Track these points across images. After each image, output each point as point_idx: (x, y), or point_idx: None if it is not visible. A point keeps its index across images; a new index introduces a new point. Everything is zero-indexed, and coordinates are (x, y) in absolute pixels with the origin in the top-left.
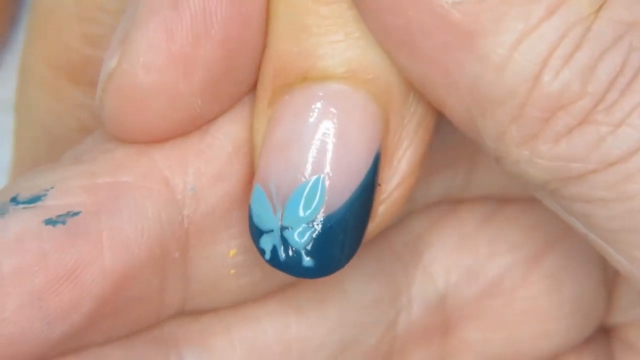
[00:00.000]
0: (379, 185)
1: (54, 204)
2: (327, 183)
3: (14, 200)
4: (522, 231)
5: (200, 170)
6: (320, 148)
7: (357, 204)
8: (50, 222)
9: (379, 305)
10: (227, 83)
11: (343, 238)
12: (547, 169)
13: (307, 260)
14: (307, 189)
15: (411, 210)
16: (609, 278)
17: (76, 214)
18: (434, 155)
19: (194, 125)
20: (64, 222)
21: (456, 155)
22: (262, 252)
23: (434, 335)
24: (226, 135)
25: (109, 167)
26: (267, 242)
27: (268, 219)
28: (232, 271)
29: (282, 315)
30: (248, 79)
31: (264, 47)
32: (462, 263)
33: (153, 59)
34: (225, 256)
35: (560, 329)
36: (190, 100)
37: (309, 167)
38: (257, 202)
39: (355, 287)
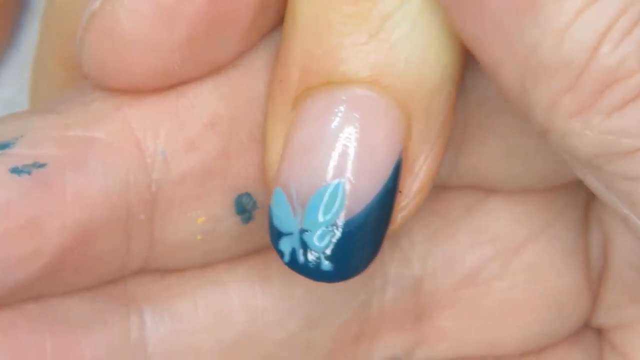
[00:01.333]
0: (400, 192)
1: (21, 153)
2: (348, 187)
3: None
4: (504, 223)
5: (172, 135)
6: (342, 152)
7: (377, 210)
8: (15, 170)
9: (351, 285)
10: (209, 46)
11: (362, 243)
12: (596, 143)
13: (326, 264)
14: (327, 193)
15: None
16: (594, 277)
17: (42, 165)
18: None
19: (170, 81)
20: (29, 172)
21: None
22: (281, 254)
23: (407, 320)
24: (204, 105)
25: (82, 121)
26: (286, 245)
27: (288, 221)
28: (199, 237)
29: (248, 283)
30: (232, 45)
31: (253, 14)
32: (441, 250)
33: (137, 5)
34: (193, 223)
35: (537, 323)
36: (169, 55)
37: (330, 171)
38: (278, 205)
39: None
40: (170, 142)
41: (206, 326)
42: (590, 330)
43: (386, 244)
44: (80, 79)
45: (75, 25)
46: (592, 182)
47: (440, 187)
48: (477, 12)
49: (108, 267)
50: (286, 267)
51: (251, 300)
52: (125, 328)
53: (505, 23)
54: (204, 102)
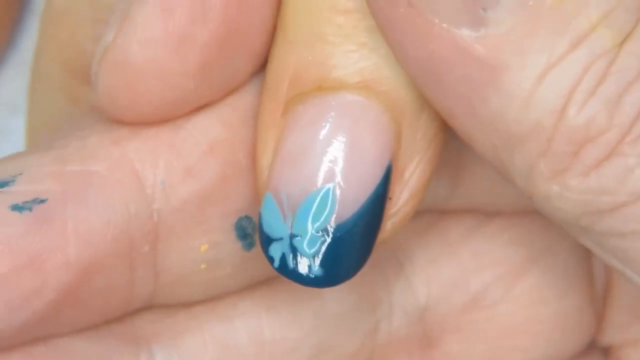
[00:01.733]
0: (390, 198)
1: (21, 190)
2: (338, 192)
3: None
4: (506, 245)
5: (171, 165)
6: (332, 158)
7: (367, 216)
8: (16, 207)
9: (357, 313)
10: (222, 68)
11: (352, 248)
12: (578, 204)
13: (316, 270)
14: (317, 198)
15: None
16: (598, 295)
17: (43, 201)
18: None
19: (185, 108)
20: (30, 209)
21: (442, 164)
22: (271, 260)
23: (414, 347)
24: (202, 132)
25: (80, 155)
26: (276, 250)
27: (278, 227)
28: (203, 266)
29: (255, 315)
30: (244, 68)
31: (264, 36)
32: (444, 275)
33: (148, 35)
34: (197, 251)
35: (543, 344)
36: (183, 81)
37: (320, 176)
38: (268, 210)
39: (333, 295)
40: (169, 171)
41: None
42: (596, 349)
43: (388, 271)
44: (79, 83)
45: (73, 27)
46: (586, 242)
47: (439, 212)
48: (438, 86)
49: (114, 302)
50: (294, 296)
51: (259, 332)
52: None
53: (467, 95)
54: (203, 128)
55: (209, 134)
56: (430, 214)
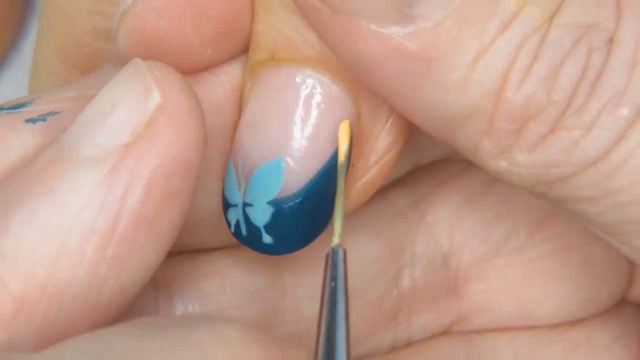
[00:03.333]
0: (352, 165)
1: (37, 109)
2: (287, 165)
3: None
4: (527, 193)
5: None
6: (284, 130)
7: (319, 187)
8: (30, 120)
9: (380, 261)
10: (237, 33)
11: (304, 218)
12: (528, 177)
13: (266, 238)
14: (268, 169)
15: (416, 165)
16: None
17: (56, 113)
18: None
19: (202, 67)
20: (44, 120)
21: None
22: (228, 224)
23: (440, 295)
24: (224, 73)
25: (99, 83)
26: (232, 216)
27: (234, 193)
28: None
29: (274, 261)
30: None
31: None
32: (466, 223)
33: (165, 5)
34: (216, 195)
35: (572, 292)
36: (199, 50)
37: (272, 147)
38: (227, 176)
39: (354, 242)
40: None
41: (235, 305)
42: (629, 305)
43: (411, 221)
44: (77, 74)
45: (71, 20)
46: (547, 203)
47: (462, 163)
48: (372, 82)
49: None
50: (313, 243)
51: (279, 277)
52: (154, 310)
53: (401, 89)
54: (225, 70)
55: (231, 76)
56: (451, 165)
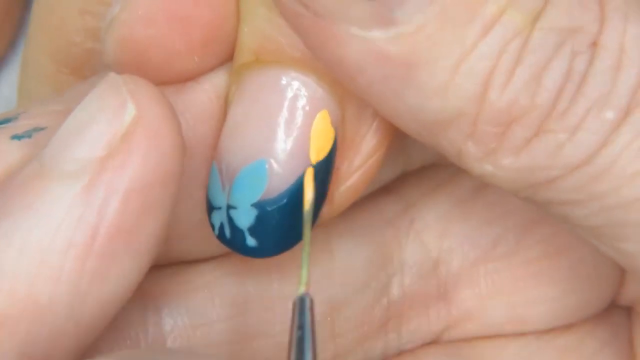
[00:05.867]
0: (337, 169)
1: (23, 123)
2: (271, 167)
3: None
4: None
5: (177, 109)
6: (267, 131)
7: (302, 189)
8: (16, 137)
9: (369, 269)
10: (224, 39)
11: (288, 221)
12: (514, 180)
13: (250, 240)
14: (252, 171)
15: (405, 171)
16: None
17: (42, 129)
18: None
19: (189, 77)
20: (29, 136)
21: None
22: (212, 227)
23: (431, 302)
24: (208, 81)
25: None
26: (216, 219)
27: (218, 196)
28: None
29: (264, 271)
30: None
31: None
32: (455, 229)
33: (152, 14)
34: (202, 205)
35: (561, 295)
36: (186, 58)
37: (256, 149)
38: (211, 179)
39: (342, 249)
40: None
41: (224, 317)
42: (619, 308)
43: (399, 227)
44: (67, 74)
45: (61, 20)
46: (533, 206)
47: (450, 169)
48: (354, 86)
49: None
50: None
51: (267, 289)
52: (143, 324)
53: (383, 93)
54: (209, 78)
55: (215, 81)
56: (440, 171)
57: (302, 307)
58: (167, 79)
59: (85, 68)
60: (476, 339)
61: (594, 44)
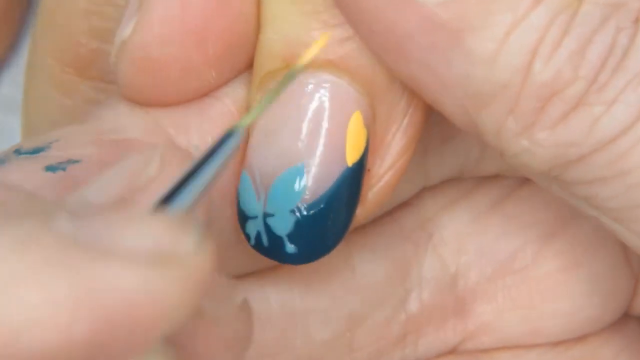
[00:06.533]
0: (368, 170)
1: (56, 154)
2: (309, 171)
3: (17, 151)
4: (535, 210)
5: (203, 129)
6: (303, 136)
7: (340, 192)
8: (50, 168)
9: (388, 284)
10: (240, 53)
11: (326, 225)
12: (547, 157)
13: (290, 247)
14: (289, 177)
15: (424, 187)
16: (635, 260)
17: (77, 161)
18: (446, 129)
19: (207, 92)
20: (64, 169)
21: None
22: (247, 237)
23: (448, 316)
24: (228, 96)
25: (114, 125)
26: (251, 228)
27: (252, 205)
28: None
29: (287, 286)
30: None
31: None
32: (473, 242)
33: (168, 31)
34: (232, 221)
35: (578, 308)
36: (204, 72)
37: (291, 154)
38: (243, 188)
39: (363, 265)
40: (202, 135)
41: None
42: (632, 318)
43: (418, 242)
44: (73, 74)
45: (67, 20)
46: (557, 191)
47: (469, 178)
48: (401, 56)
49: None
50: (324, 267)
51: (290, 303)
52: None
53: (432, 62)
54: (228, 92)
55: (235, 97)
56: (460, 183)
57: (228, 139)
58: (184, 96)
59: (91, 68)
60: (492, 350)
61: (637, 20)
